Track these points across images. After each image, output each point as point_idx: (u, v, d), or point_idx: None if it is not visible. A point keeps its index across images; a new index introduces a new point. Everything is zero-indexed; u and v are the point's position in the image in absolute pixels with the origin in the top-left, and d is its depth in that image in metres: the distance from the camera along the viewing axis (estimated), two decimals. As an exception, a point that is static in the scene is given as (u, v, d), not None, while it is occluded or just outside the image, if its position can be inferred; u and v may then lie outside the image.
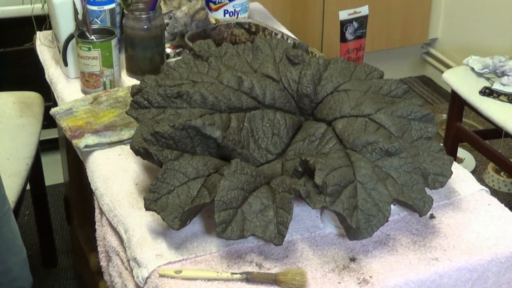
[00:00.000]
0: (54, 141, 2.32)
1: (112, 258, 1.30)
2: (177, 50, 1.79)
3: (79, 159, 1.53)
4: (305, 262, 1.17)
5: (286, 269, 1.14)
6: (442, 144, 1.56)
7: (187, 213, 1.15)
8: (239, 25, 1.81)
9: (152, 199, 1.17)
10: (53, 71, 1.79)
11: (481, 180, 2.74)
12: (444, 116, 2.92)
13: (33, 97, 2.16)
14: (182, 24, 1.76)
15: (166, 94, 1.31)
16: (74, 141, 1.46)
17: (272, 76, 1.40)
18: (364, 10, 1.84)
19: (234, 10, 1.88)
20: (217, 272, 1.14)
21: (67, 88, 1.70)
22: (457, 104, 2.39)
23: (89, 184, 1.42)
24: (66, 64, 1.72)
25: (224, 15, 1.88)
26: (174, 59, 1.74)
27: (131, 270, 1.20)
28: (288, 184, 1.18)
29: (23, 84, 2.34)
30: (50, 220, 2.32)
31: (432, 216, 1.28)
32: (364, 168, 1.19)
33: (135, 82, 1.66)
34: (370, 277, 1.14)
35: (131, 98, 1.36)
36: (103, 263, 1.39)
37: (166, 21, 1.74)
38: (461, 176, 1.38)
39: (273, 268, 1.16)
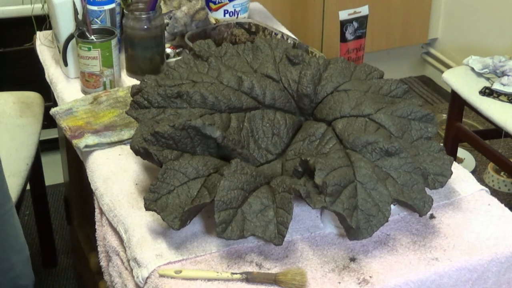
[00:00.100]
0: (54, 141, 2.32)
1: (112, 258, 1.30)
2: (177, 50, 1.79)
3: (79, 159, 1.53)
4: (305, 262, 1.17)
5: (286, 269, 1.14)
6: (442, 144, 1.56)
7: (187, 213, 1.15)
8: (239, 25, 1.81)
9: (152, 199, 1.17)
10: (53, 71, 1.79)
11: (481, 180, 2.74)
12: (444, 116, 2.92)
13: (33, 97, 2.16)
14: (182, 24, 1.76)
15: (166, 94, 1.31)
16: (74, 141, 1.46)
17: (272, 76, 1.40)
18: (364, 10, 1.84)
19: (234, 10, 1.88)
20: (217, 272, 1.14)
21: (67, 88, 1.70)
22: (457, 104, 2.39)
23: (89, 184, 1.42)
24: (66, 64, 1.72)
25: (224, 15, 1.88)
26: (174, 59, 1.74)
27: (131, 270, 1.20)
28: (288, 184, 1.18)
29: (23, 84, 2.34)
30: (50, 220, 2.32)
31: (432, 216, 1.28)
32: (364, 168, 1.19)
33: (135, 82, 1.66)
34: (370, 277, 1.14)
35: (131, 98, 1.36)
36: (103, 263, 1.39)
37: (166, 21, 1.74)
38: (461, 176, 1.38)
39: (273, 268, 1.16)
